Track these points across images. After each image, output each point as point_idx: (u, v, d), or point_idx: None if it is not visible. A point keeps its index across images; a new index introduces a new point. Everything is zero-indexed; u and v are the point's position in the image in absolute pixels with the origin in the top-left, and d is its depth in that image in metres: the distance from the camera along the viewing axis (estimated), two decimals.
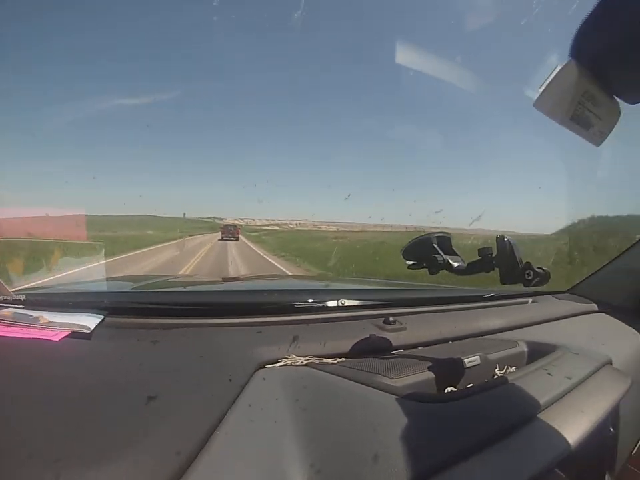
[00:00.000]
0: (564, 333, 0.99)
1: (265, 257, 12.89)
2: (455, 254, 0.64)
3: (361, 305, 0.86)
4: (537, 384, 0.60)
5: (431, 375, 0.61)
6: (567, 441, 0.48)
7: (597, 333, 1.02)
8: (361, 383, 0.52)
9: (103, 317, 0.63)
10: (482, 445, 0.43)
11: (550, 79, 0.39)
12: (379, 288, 1.46)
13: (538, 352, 0.77)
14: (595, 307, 1.27)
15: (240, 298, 0.95)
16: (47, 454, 0.34)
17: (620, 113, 0.43)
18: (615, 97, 0.42)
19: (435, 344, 0.76)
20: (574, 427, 0.51)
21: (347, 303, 0.84)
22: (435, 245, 0.63)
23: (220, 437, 0.40)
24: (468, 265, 0.60)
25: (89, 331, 0.59)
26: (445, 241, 0.65)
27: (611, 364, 0.77)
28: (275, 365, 0.56)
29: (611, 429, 0.73)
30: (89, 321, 0.61)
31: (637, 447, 1.15)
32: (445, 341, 0.79)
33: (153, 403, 0.43)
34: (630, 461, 1.15)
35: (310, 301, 0.82)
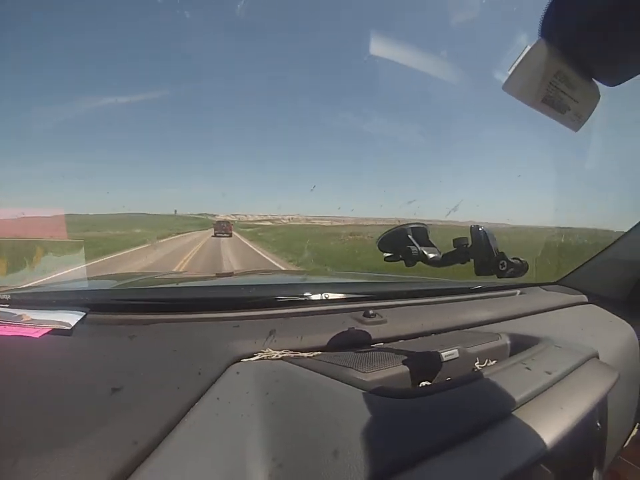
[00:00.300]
0: (552, 324, 0.99)
1: (274, 262, 9.56)
2: (431, 245, 0.63)
3: (341, 299, 0.86)
4: (514, 379, 0.58)
5: (405, 369, 0.61)
6: (542, 440, 0.46)
7: (585, 325, 1.02)
8: (332, 377, 0.52)
9: (84, 314, 0.65)
10: (452, 442, 0.42)
11: (519, 60, 0.37)
12: (361, 281, 1.46)
13: (521, 345, 0.76)
14: (584, 298, 1.26)
15: (218, 293, 0.95)
16: (7, 441, 0.35)
17: (599, 95, 0.41)
18: (594, 79, 0.40)
19: (416, 337, 0.76)
20: (552, 423, 0.50)
21: (327, 296, 0.84)
22: (409, 236, 0.62)
23: (182, 429, 0.40)
24: (443, 256, 0.59)
25: (69, 328, 0.60)
26: (420, 232, 0.64)
27: (598, 357, 0.75)
28: (250, 359, 0.56)
29: (598, 424, 0.72)
30: (70, 318, 0.62)
31: (629, 439, 1.16)
32: (427, 334, 0.78)
33: (116, 395, 0.44)
34: (622, 453, 1.16)
35: (288, 295, 0.82)
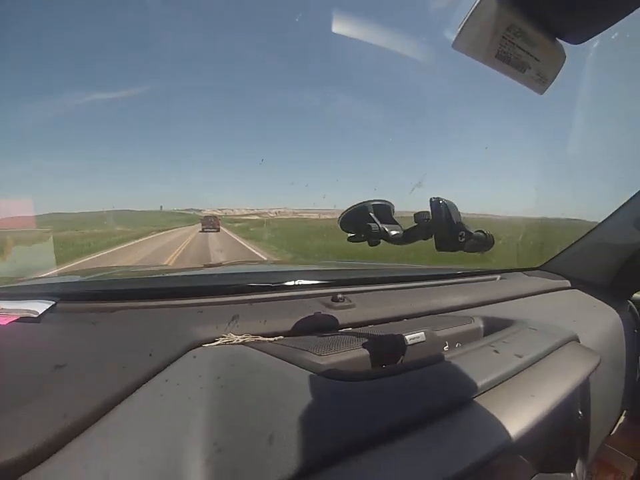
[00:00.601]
0: (531, 309, 0.97)
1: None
2: (395, 223, 0.60)
3: (310, 284, 0.86)
4: (480, 363, 0.55)
5: (365, 352, 0.60)
6: (506, 428, 0.43)
7: (567, 309, 1.01)
8: (287, 361, 0.52)
9: (53, 303, 0.67)
10: (400, 429, 0.40)
11: (468, 14, 0.35)
12: (333, 268, 1.47)
13: (495, 328, 0.74)
14: (567, 283, 1.26)
15: (184, 281, 0.99)
16: None
17: (564, 56, 0.39)
18: (558, 39, 0.38)
19: (387, 322, 0.75)
20: (521, 411, 0.47)
21: (295, 282, 0.85)
22: (371, 214, 0.59)
23: (124, 407, 0.41)
24: (404, 232, 0.57)
25: (36, 316, 0.63)
26: (383, 210, 0.61)
27: (578, 341, 0.73)
28: (212, 343, 0.57)
29: (580, 413, 0.70)
30: (39, 307, 0.65)
31: (616, 426, 1.15)
32: (399, 318, 0.77)
33: (57, 371, 0.45)
34: (609, 441, 1.15)
35: (253, 281, 0.83)
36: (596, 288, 1.22)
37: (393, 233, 0.57)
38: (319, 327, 0.67)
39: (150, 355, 0.50)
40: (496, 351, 0.59)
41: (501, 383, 0.51)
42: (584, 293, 1.20)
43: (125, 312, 0.66)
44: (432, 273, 1.14)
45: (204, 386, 0.45)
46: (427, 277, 1.08)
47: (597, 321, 0.98)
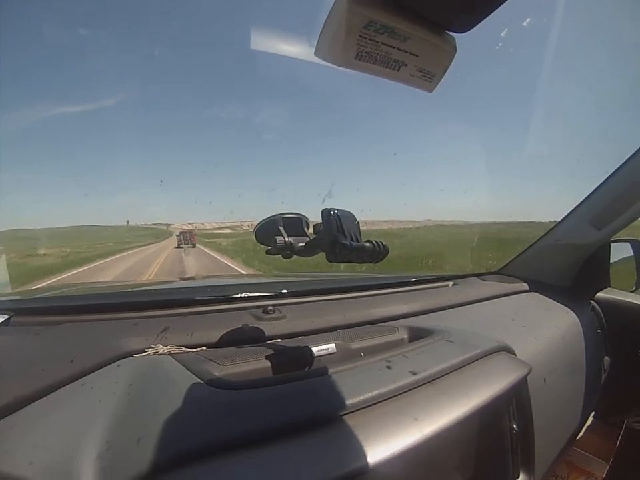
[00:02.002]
0: (478, 315, 0.98)
1: None
2: (305, 235, 0.63)
3: (244, 297, 0.90)
4: (363, 378, 0.54)
5: (267, 363, 0.63)
6: (364, 452, 0.42)
7: (520, 313, 1.02)
8: (189, 371, 0.56)
9: (7, 317, 0.73)
10: (267, 436, 0.42)
11: (325, 20, 0.33)
12: (274, 281, 1.50)
13: (418, 338, 0.75)
14: (525, 286, 1.28)
15: (123, 297, 1.07)
16: None
17: (454, 47, 0.35)
18: (439, 29, 0.34)
19: (319, 333, 0.77)
20: (395, 433, 0.45)
21: (229, 295, 0.89)
22: (280, 227, 0.62)
23: (36, 405, 0.47)
24: (305, 245, 0.59)
25: None
26: (294, 222, 0.64)
27: (510, 351, 0.73)
28: (142, 354, 0.62)
29: (515, 427, 0.70)
30: None
31: (584, 429, 1.18)
32: (332, 329, 0.79)
33: None
34: (576, 443, 1.17)
35: (188, 295, 0.93)
36: (555, 289, 1.25)
37: (299, 245, 0.59)
38: (245, 339, 0.71)
39: (71, 361, 0.55)
40: (388, 367, 0.58)
41: (379, 402, 0.50)
42: (541, 295, 1.22)
43: (68, 325, 0.71)
44: (380, 282, 1.16)
45: (116, 391, 0.50)
46: (372, 287, 1.09)
47: (552, 323, 1.00)
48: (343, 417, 0.46)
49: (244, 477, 0.38)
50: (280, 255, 0.62)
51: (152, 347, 0.64)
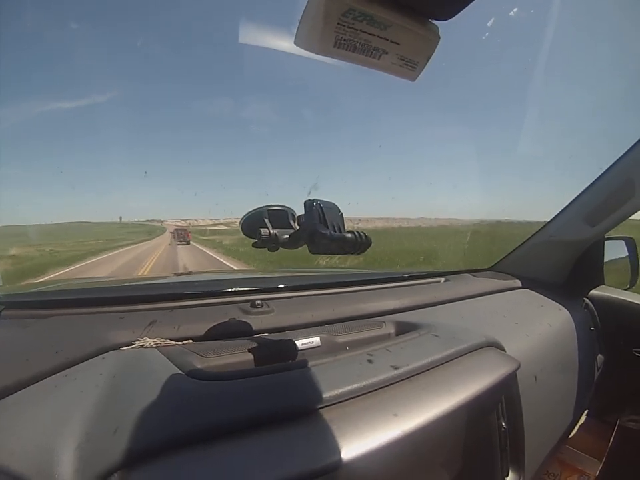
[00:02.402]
0: (469, 312, 0.99)
1: None
2: (290, 227, 0.64)
3: (232, 291, 0.90)
4: (342, 371, 0.54)
5: (250, 356, 0.63)
6: (338, 449, 0.41)
7: (512, 311, 1.03)
8: (173, 363, 0.56)
9: None
10: (242, 428, 0.43)
11: (304, 8, 0.32)
12: (263, 276, 1.54)
13: (404, 332, 0.75)
14: (517, 283, 1.28)
15: (111, 291, 1.07)
16: None
17: (437, 36, 0.35)
18: (422, 17, 0.33)
19: (306, 327, 0.77)
20: (375, 429, 0.45)
21: (216, 289, 0.91)
22: (265, 219, 0.63)
23: (17, 395, 0.48)
24: (289, 237, 0.59)
25: None
26: (280, 215, 0.65)
27: (498, 347, 0.73)
28: (128, 347, 0.63)
29: (504, 425, 0.70)
30: None
31: (577, 427, 1.18)
32: (320, 324, 0.79)
33: None
34: (569, 441, 1.18)
35: (176, 289, 0.96)
36: (548, 286, 1.25)
37: (284, 237, 0.59)
38: (232, 332, 0.71)
39: (56, 352, 0.57)
40: (370, 361, 0.58)
41: (358, 397, 0.50)
42: (534, 292, 1.23)
43: (57, 318, 0.72)
44: (371, 278, 1.17)
45: (99, 383, 0.51)
46: (362, 282, 1.09)
47: (544, 320, 1.00)
48: (320, 410, 0.46)
49: (215, 468, 0.38)
50: (258, 248, 0.63)
51: (138, 340, 0.65)
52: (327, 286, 1.03)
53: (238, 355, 0.63)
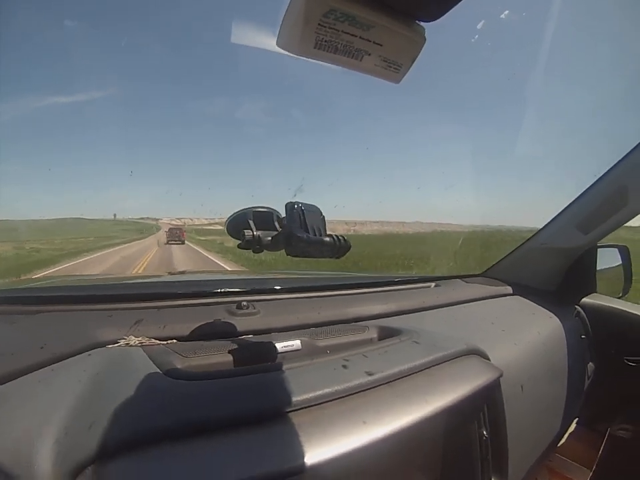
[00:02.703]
0: (455, 318, 0.99)
1: None
2: (275, 230, 0.63)
3: (219, 292, 0.91)
4: (315, 376, 0.54)
5: (230, 357, 0.64)
6: (301, 453, 0.42)
7: (501, 318, 1.03)
8: (154, 362, 0.57)
9: None
10: (207, 429, 0.43)
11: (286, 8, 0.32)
12: (252, 278, 1.59)
13: (387, 337, 0.75)
14: (509, 289, 1.28)
15: (100, 289, 1.12)
16: None
17: (422, 37, 0.34)
18: (408, 18, 0.33)
19: (291, 330, 0.78)
20: (332, 437, 0.45)
21: (204, 290, 0.92)
22: (250, 221, 0.63)
23: (1, 387, 0.49)
24: (271, 239, 0.60)
25: None
26: (265, 216, 0.65)
27: (482, 355, 0.73)
28: (114, 344, 0.64)
29: (485, 434, 0.69)
30: None
31: (566, 435, 1.18)
32: (305, 327, 0.80)
33: None
34: (559, 449, 1.18)
35: (164, 289, 0.98)
36: (539, 294, 1.25)
37: (267, 239, 0.60)
38: (217, 333, 0.72)
39: (42, 348, 0.58)
40: (344, 366, 0.58)
41: (330, 401, 0.50)
42: (525, 299, 1.23)
43: (45, 314, 0.74)
44: (360, 282, 1.17)
45: (82, 379, 0.52)
46: (350, 286, 1.09)
47: (534, 328, 1.00)
48: (290, 413, 0.47)
49: (180, 465, 0.39)
50: (243, 249, 0.63)
51: (124, 338, 0.66)
52: (315, 289, 1.03)
53: (218, 356, 0.64)
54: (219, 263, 14.37)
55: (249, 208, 0.65)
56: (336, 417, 0.48)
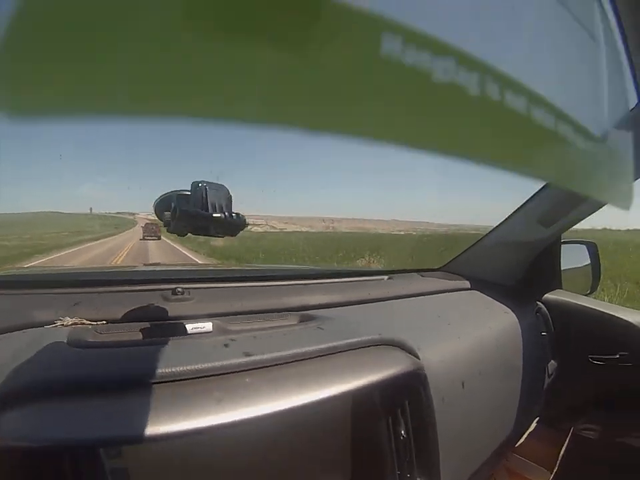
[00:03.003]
0: (399, 310, 0.98)
1: None
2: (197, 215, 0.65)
3: (158, 280, 0.93)
4: (191, 351, 0.57)
5: (140, 335, 0.66)
6: (143, 424, 0.43)
7: (449, 311, 1.01)
8: (71, 338, 0.60)
9: None
10: (79, 390, 0.46)
11: None
12: (198, 268, 1.71)
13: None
14: (466, 284, 1.26)
15: (46, 277, 1.19)
16: None
17: None
18: None
19: (222, 316, 0.78)
20: (180, 412, 0.45)
21: (143, 278, 0.96)
22: (172, 203, 0.61)
23: None
24: (170, 217, 0.61)
25: None
26: (187, 199, 0.64)
27: (402, 347, 0.69)
28: (50, 325, 0.67)
29: (403, 434, 0.67)
30: None
31: (526, 435, 1.17)
32: (236, 314, 0.80)
33: None
34: (518, 449, 1.16)
35: (104, 277, 1.05)
36: (498, 288, 1.24)
37: (174, 221, 0.60)
38: (147, 317, 0.73)
39: None
40: (226, 345, 0.59)
41: (193, 378, 0.50)
42: (482, 294, 1.21)
43: (6, 297, 0.79)
44: (307, 273, 1.22)
45: (6, 350, 0.55)
46: (296, 276, 1.11)
47: (485, 322, 0.98)
48: (153, 385, 0.48)
49: (49, 419, 0.43)
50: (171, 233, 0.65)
51: (60, 320, 0.69)
52: (256, 279, 1.04)
53: (130, 334, 0.66)
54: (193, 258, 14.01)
55: (173, 191, 0.64)
56: (194, 394, 0.49)
